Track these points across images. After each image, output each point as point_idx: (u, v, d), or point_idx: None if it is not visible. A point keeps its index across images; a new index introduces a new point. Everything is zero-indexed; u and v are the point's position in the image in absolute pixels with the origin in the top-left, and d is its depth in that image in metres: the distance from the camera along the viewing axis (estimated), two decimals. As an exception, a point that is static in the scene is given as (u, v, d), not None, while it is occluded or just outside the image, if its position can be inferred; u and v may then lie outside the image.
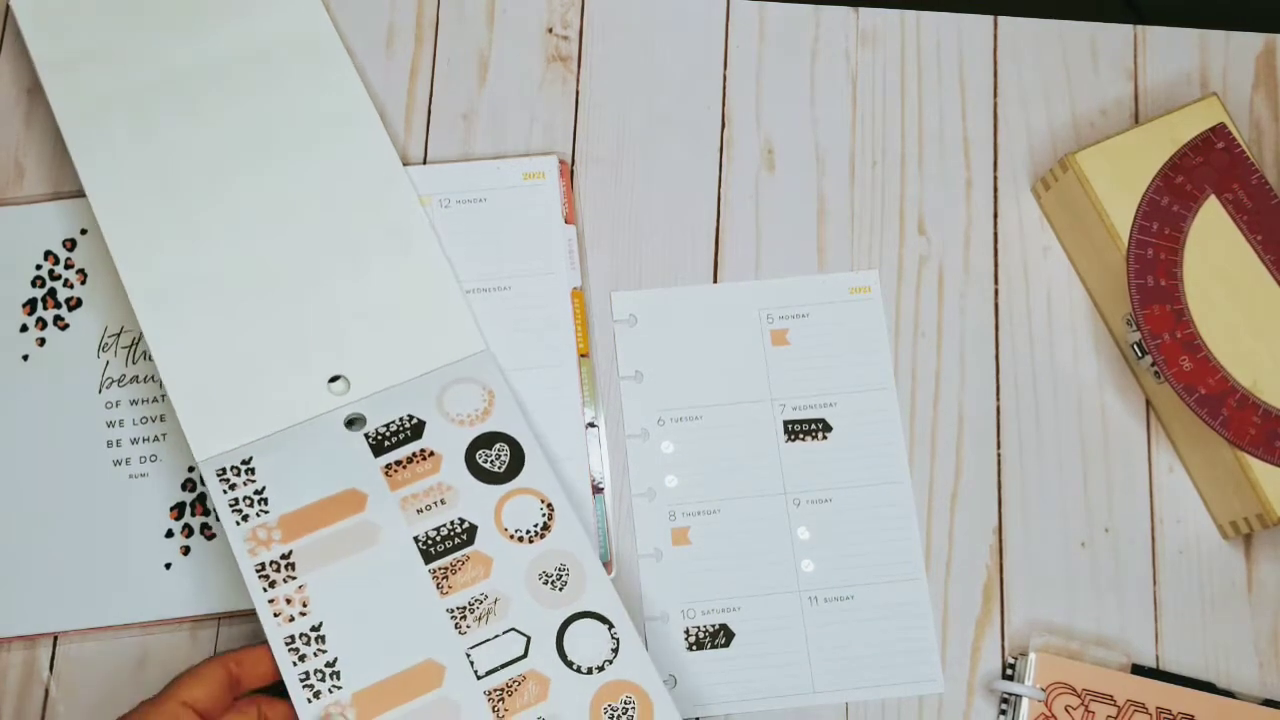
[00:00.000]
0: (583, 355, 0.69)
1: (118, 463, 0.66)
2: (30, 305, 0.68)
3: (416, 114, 0.72)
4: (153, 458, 0.66)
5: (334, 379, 0.64)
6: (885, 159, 0.73)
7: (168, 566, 0.65)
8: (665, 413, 0.69)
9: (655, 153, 0.73)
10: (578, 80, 0.74)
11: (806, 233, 0.72)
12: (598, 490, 0.67)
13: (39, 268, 0.69)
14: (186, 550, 0.65)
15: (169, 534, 0.65)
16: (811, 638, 0.66)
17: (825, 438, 0.69)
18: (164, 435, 0.67)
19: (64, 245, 0.69)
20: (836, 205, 0.72)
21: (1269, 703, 0.65)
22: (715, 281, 0.71)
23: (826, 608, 0.66)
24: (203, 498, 0.66)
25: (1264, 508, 0.64)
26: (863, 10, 0.75)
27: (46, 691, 0.64)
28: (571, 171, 0.72)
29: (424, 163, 0.72)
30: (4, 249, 0.69)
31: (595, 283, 0.71)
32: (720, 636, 0.66)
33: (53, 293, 0.68)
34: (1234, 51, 0.75)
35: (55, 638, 0.64)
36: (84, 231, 0.69)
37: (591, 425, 0.68)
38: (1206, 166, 0.67)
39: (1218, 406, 0.64)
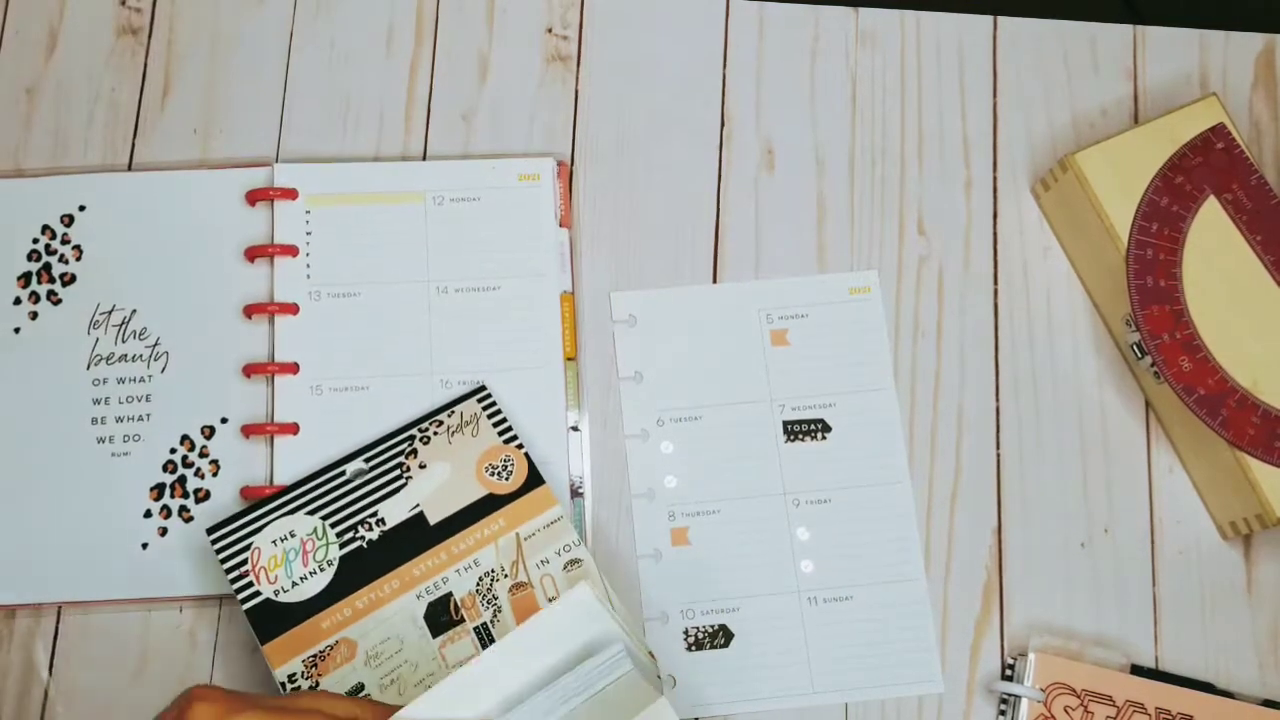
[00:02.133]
0: (569, 359, 0.69)
1: (101, 440, 0.66)
2: (25, 279, 0.68)
3: (416, 113, 0.72)
4: (136, 437, 0.66)
5: None
6: (885, 159, 0.73)
7: (144, 546, 0.65)
8: (665, 413, 0.69)
9: (655, 153, 0.73)
10: (577, 80, 0.74)
11: (806, 233, 0.72)
12: (577, 494, 0.67)
13: (35, 242, 0.69)
14: (164, 531, 0.65)
15: (147, 514, 0.66)
16: (811, 638, 0.66)
17: (825, 438, 0.69)
18: (148, 415, 0.67)
19: (61, 221, 0.69)
20: (836, 205, 0.72)
21: (1269, 703, 0.65)
22: (715, 281, 0.71)
23: (826, 608, 0.66)
24: (183, 480, 0.66)
25: (1264, 508, 0.64)
26: (863, 10, 0.75)
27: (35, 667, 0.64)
28: (571, 171, 0.72)
29: (422, 159, 0.72)
30: (1, 221, 0.69)
31: (594, 283, 0.71)
32: (720, 636, 0.66)
33: (48, 267, 0.69)
34: (1233, 51, 0.75)
35: (60, 609, 0.65)
36: (82, 208, 0.69)
37: (574, 429, 0.68)
38: (1206, 167, 0.67)
39: (1217, 407, 0.64)
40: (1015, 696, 0.64)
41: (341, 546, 0.63)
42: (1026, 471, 0.69)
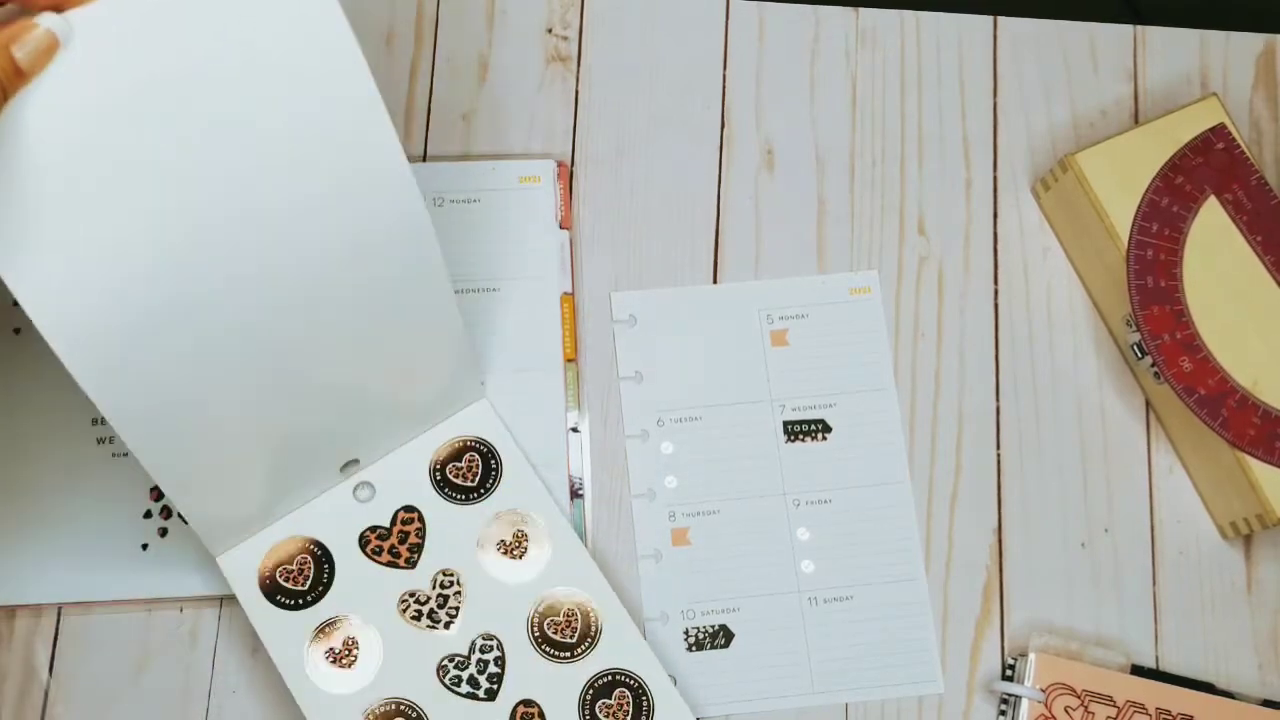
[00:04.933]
0: (569, 360, 0.69)
1: (101, 440, 0.66)
2: None
3: (416, 114, 0.72)
4: None
5: (346, 465, 0.63)
6: (885, 159, 0.73)
7: (144, 548, 0.65)
8: (665, 413, 0.69)
9: (655, 153, 0.73)
10: (577, 80, 0.74)
11: (806, 233, 0.72)
12: (577, 495, 0.67)
13: None
14: (164, 532, 0.65)
15: (147, 514, 0.66)
16: (811, 638, 0.66)
17: (825, 438, 0.69)
18: None
19: None
20: (836, 205, 0.72)
21: (1269, 703, 0.65)
22: (715, 282, 0.71)
23: (826, 608, 0.66)
24: None
25: (1264, 508, 0.64)
26: (863, 10, 0.75)
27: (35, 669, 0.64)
28: (571, 172, 0.72)
29: (423, 160, 0.72)
30: None
31: (595, 283, 0.71)
32: (720, 637, 0.66)
33: None
34: (1234, 51, 0.75)
35: (60, 609, 0.65)
36: None
37: (574, 430, 0.68)
38: (1206, 167, 0.67)
39: (1217, 407, 0.64)
40: (1015, 696, 0.64)
41: None
42: (1026, 471, 0.69)
